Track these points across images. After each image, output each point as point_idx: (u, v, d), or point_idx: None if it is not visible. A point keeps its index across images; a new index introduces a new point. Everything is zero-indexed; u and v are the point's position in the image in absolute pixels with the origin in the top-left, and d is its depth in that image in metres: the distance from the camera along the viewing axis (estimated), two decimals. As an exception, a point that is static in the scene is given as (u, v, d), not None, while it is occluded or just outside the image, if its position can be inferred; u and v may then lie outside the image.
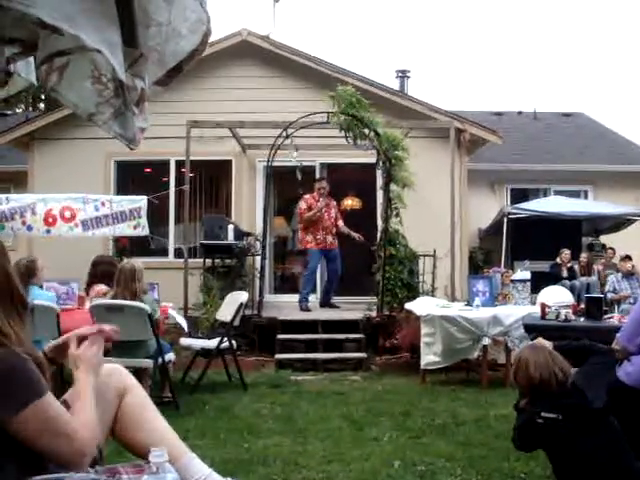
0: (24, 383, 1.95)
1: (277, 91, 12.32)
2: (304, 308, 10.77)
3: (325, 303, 11.30)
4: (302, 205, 10.86)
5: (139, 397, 2.57)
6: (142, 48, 2.01)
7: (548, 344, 3.80)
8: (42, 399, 1.96)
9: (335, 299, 11.44)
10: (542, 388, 3.45)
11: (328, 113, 10.00)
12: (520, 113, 20.06)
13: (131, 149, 2.33)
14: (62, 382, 5.13)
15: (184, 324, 8.16)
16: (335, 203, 11.46)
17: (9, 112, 21.78)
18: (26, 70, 2.49)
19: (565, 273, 12.76)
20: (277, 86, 12.47)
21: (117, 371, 2.61)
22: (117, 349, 6.57)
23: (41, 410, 1.95)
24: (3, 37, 2.18)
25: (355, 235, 11.10)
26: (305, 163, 11.82)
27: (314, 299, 11.40)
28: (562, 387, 3.45)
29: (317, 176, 12.14)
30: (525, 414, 3.58)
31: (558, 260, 12.91)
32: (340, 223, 11.22)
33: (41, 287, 7.49)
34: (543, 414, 3.39)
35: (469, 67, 57.41)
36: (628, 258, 11.26)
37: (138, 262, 6.94)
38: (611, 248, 14.14)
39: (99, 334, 2.39)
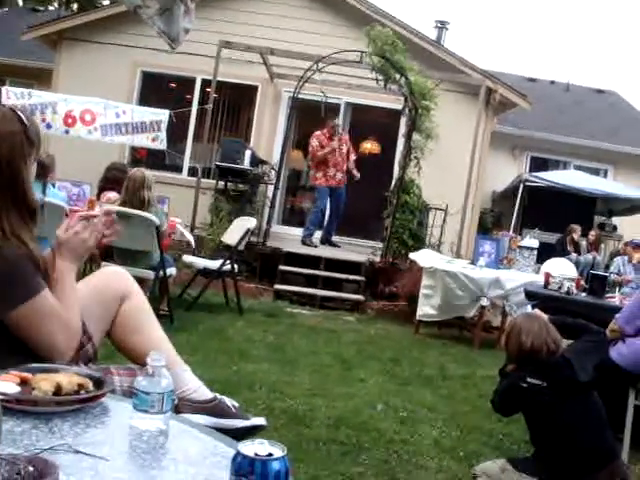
0: (20, 280, 1.95)
1: (313, 23, 12.14)
2: (307, 243, 10.75)
3: (326, 240, 11.28)
4: (314, 143, 10.66)
5: (139, 302, 2.57)
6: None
7: (544, 317, 3.81)
8: (38, 296, 1.97)
9: (340, 239, 11.44)
10: (532, 356, 3.46)
11: (362, 52, 9.89)
12: (553, 83, 19.84)
13: (172, 48, 2.31)
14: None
15: (192, 239, 8.20)
16: (347, 137, 11.19)
17: (41, 8, 21.55)
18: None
19: (571, 248, 12.73)
20: (314, 18, 12.27)
21: (120, 274, 2.60)
22: (120, 256, 6.63)
23: (37, 307, 1.96)
24: None
25: (356, 174, 10.99)
26: (330, 100, 11.73)
27: (318, 235, 11.36)
28: (551, 357, 3.47)
29: (341, 114, 12.04)
30: (510, 377, 3.60)
31: (574, 236, 12.89)
32: (352, 157, 11.06)
33: (53, 185, 7.51)
34: (528, 379, 3.41)
35: (508, 28, 56.49)
36: (638, 247, 11.23)
37: (148, 171, 6.88)
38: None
39: (101, 221, 2.25)
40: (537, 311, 4.17)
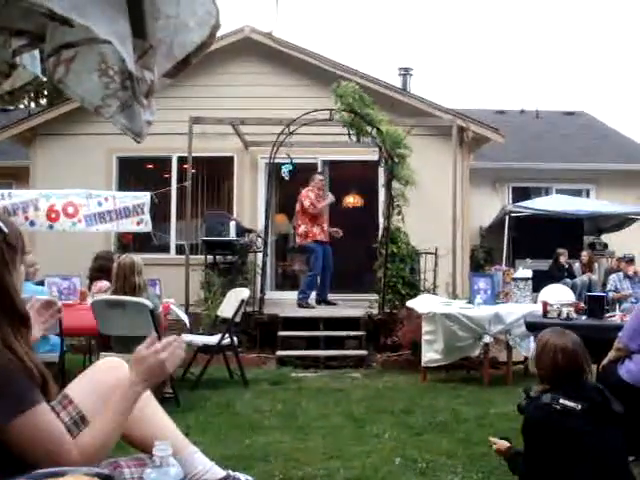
0: (11, 393, 1.90)
1: (279, 88, 12.30)
2: (304, 305, 10.73)
3: (322, 300, 11.26)
4: (311, 195, 10.76)
5: (141, 392, 2.56)
6: (150, 40, 2.01)
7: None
8: (32, 410, 1.91)
9: (335, 296, 11.40)
10: (566, 375, 3.36)
11: (331, 110, 10.01)
12: (522, 112, 20.09)
13: (138, 142, 2.32)
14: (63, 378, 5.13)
15: (186, 319, 8.16)
16: None
17: (11, 107, 21.75)
18: (31, 62, 2.50)
19: (563, 273, 12.74)
20: (279, 83, 12.45)
21: (117, 365, 2.60)
22: (118, 345, 6.58)
23: (32, 421, 1.90)
24: (11, 29, 2.18)
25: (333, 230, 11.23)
26: (307, 160, 11.83)
27: (313, 296, 11.31)
28: (585, 379, 3.39)
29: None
30: (540, 399, 3.44)
31: (561, 259, 12.92)
32: None
33: (40, 283, 7.49)
34: (562, 401, 3.29)
35: (472, 65, 57.39)
36: (632, 261, 11.31)
37: (137, 256, 6.90)
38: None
39: (181, 346, 2.29)
40: None
